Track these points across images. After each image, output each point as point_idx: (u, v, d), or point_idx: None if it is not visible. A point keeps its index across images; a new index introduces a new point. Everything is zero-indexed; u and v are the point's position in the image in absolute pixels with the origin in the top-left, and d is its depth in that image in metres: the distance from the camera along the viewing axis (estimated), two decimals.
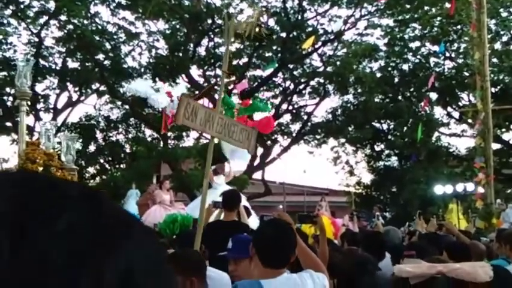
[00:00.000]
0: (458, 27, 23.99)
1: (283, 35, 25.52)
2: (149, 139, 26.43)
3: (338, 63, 26.13)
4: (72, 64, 25.44)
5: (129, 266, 0.46)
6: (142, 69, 25.27)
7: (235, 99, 9.33)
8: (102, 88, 25.75)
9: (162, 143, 25.92)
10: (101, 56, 24.68)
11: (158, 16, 24.17)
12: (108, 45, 24.65)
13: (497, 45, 24.75)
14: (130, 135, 26.64)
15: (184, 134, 25.77)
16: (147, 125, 25.81)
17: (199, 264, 3.03)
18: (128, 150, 26.75)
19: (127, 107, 25.83)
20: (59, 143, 7.14)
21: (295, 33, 25.21)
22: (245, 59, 25.53)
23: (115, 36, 25.00)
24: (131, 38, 25.21)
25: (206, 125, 4.87)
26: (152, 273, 0.49)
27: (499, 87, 23.61)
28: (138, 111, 24.91)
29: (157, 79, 24.35)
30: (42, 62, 23.89)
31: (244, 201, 9.13)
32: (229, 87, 11.98)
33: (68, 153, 6.28)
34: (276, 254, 2.72)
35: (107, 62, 24.72)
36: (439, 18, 24.85)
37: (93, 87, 25.89)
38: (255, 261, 2.76)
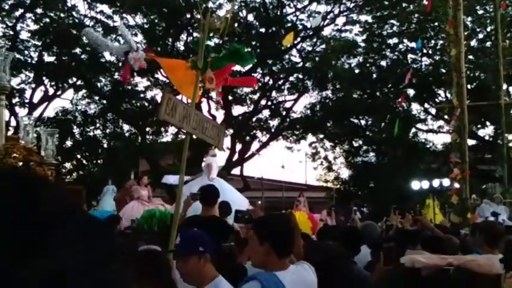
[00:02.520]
0: (436, 24, 24.24)
1: (262, 30, 25.51)
2: (127, 134, 26.23)
3: (317, 59, 26.23)
4: (48, 58, 25.10)
5: (61, 267, 0.42)
6: (120, 64, 25.00)
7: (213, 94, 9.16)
8: (79, 82, 25.45)
9: (140, 138, 25.76)
10: (78, 50, 24.37)
11: (136, 10, 23.96)
12: (85, 39, 24.35)
13: (474, 43, 25.07)
14: (107, 131, 26.38)
15: (162, 129, 25.64)
16: (125, 120, 25.61)
17: (158, 266, 2.96)
18: (105, 146, 26.51)
19: (104, 101, 25.59)
20: (36, 137, 7.01)
21: (274, 28, 25.21)
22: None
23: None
24: (109, 31, 24.92)
25: (184, 121, 4.94)
26: (89, 274, 0.44)
27: (475, 84, 23.92)
28: (116, 106, 24.69)
29: (135, 74, 24.15)
30: (17, 55, 23.51)
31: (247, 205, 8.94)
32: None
33: (47, 147, 6.17)
34: (290, 245, 2.87)
35: (84, 56, 24.42)
36: (416, 15, 25.08)
37: (70, 81, 25.56)
38: (265, 254, 2.77)
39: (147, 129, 25.85)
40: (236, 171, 27.47)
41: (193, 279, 3.10)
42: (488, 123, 25.54)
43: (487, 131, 26.48)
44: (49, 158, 6.48)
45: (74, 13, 24.35)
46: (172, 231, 4.64)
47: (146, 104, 25.55)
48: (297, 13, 26.07)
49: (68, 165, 26.27)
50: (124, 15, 24.72)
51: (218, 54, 5.60)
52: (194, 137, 5.67)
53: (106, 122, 26.39)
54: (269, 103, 27.94)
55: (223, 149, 24.43)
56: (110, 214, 9.51)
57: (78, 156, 26.35)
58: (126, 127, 26.35)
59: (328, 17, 25.97)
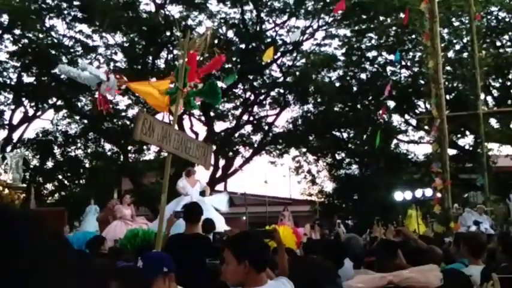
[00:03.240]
0: (413, 36, 24.57)
1: (243, 46, 25.63)
2: (109, 153, 26.05)
3: (297, 73, 26.40)
4: (27, 79, 24.91)
5: None
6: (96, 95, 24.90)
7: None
8: (60, 103, 25.27)
9: (122, 156, 25.58)
10: (57, 70, 24.23)
11: (116, 29, 23.94)
12: (64, 59, 24.24)
13: (451, 54, 25.45)
14: (89, 150, 26.18)
15: (145, 147, 25.51)
16: (107, 139, 25.44)
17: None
18: (87, 165, 26.29)
19: (85, 121, 25.42)
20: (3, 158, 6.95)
21: (254, 44, 25.35)
22: None
23: (72, 50, 24.60)
24: (88, 51, 24.86)
25: (163, 141, 4.86)
26: None
27: (453, 94, 24.24)
28: (97, 126, 24.54)
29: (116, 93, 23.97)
30: None
31: (223, 225, 8.96)
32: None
33: (16, 171, 6.13)
34: (267, 259, 2.94)
35: (63, 76, 24.26)
36: (394, 28, 25.42)
37: (50, 101, 25.37)
38: (244, 272, 2.78)
39: (129, 147, 25.70)
40: (220, 187, 27.39)
41: None
42: (468, 132, 25.85)
43: (467, 141, 26.81)
44: (16, 182, 6.44)
45: (52, 33, 24.24)
46: (156, 249, 4.62)
47: (128, 122, 25.45)
48: (276, 28, 26.29)
49: (49, 186, 25.98)
50: (103, 34, 24.66)
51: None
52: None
53: (87, 142, 26.21)
54: (251, 118, 28.01)
55: (209, 168, 24.45)
56: (94, 235, 9.40)
57: (60, 176, 26.08)
58: (108, 146, 26.19)
59: (307, 31, 26.22)
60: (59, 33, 24.47)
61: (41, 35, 23.72)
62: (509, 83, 24.39)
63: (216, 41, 24.07)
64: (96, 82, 5.73)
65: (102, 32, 24.38)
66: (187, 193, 10.02)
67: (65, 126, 26.23)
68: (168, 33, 24.53)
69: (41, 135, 25.66)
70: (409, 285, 2.62)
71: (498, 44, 24.82)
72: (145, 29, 23.89)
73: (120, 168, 23.86)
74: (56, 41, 24.23)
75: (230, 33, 25.79)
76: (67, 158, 25.65)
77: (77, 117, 25.85)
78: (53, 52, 23.42)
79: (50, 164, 25.65)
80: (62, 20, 24.12)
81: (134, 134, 4.70)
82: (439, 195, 13.32)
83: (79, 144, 26.21)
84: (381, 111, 22.11)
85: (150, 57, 25.34)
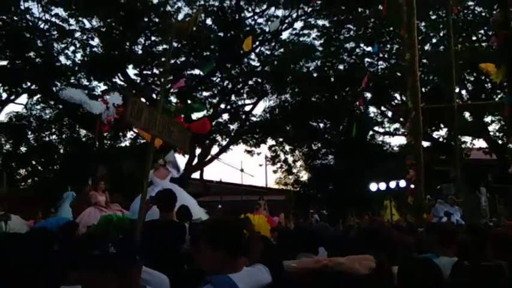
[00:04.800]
0: (391, 28, 24.73)
1: (221, 34, 25.50)
2: (84, 139, 25.75)
3: (276, 62, 26.38)
4: (1, 62, 24.42)
5: None
6: (77, 68, 24.58)
7: (172, 98, 9.37)
8: (34, 87, 24.85)
9: (97, 143, 25.30)
10: (32, 54, 23.80)
11: (91, 13, 23.57)
12: (39, 43, 23.83)
13: (427, 47, 25.71)
14: (64, 136, 25.84)
15: (120, 134, 25.29)
16: (82, 125, 25.13)
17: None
18: (61, 151, 25.96)
19: (60, 106, 25.05)
20: None
21: (232, 32, 25.24)
22: (183, 58, 25.35)
23: (47, 34, 24.18)
24: (64, 35, 24.45)
25: (150, 124, 4.94)
26: None
27: (429, 87, 24.51)
28: (73, 111, 24.20)
29: (92, 78, 23.78)
30: None
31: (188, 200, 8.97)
32: (167, 86, 11.90)
33: None
34: (242, 245, 2.86)
35: (38, 60, 23.87)
36: (372, 19, 25.55)
37: (24, 86, 24.92)
38: (219, 259, 2.76)
39: (105, 134, 25.44)
40: (196, 175, 27.37)
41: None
42: (442, 125, 26.21)
43: (441, 133, 27.20)
44: None
45: (27, 16, 23.76)
46: (135, 236, 4.62)
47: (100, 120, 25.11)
48: (255, 17, 26.22)
49: (22, 171, 25.62)
50: (80, 18, 24.27)
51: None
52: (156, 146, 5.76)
53: (62, 127, 25.85)
54: (228, 107, 27.95)
55: (189, 153, 24.33)
56: (66, 221, 9.31)
57: (33, 162, 25.71)
58: (83, 132, 25.86)
59: (286, 21, 26.20)
60: (34, 16, 24.02)
61: (15, 18, 23.24)
62: (483, 77, 24.73)
63: (194, 29, 23.96)
64: (102, 108, 5.95)
65: (78, 16, 23.99)
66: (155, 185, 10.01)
67: (39, 111, 25.83)
68: (146, 19, 24.27)
69: (14, 119, 25.24)
70: (342, 270, 2.71)
71: (474, 38, 25.13)
72: (123, 14, 23.56)
73: (96, 155, 23.61)
74: (31, 24, 23.77)
75: (209, 21, 25.64)
76: (41, 144, 25.28)
77: (52, 102, 25.45)
78: (28, 35, 22.98)
79: (23, 149, 25.26)
80: (37, 2, 23.65)
81: (124, 117, 4.74)
82: (412, 186, 13.50)
83: (53, 130, 25.84)
84: (357, 103, 22.26)
85: (128, 43, 25.04)
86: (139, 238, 4.64)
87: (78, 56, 25.03)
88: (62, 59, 24.74)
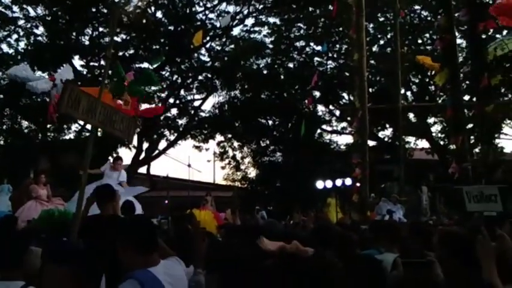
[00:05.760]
0: (340, 29, 25.10)
1: (171, 28, 25.19)
2: (26, 131, 24.88)
3: (226, 58, 26.30)
4: None
5: None
6: (19, 57, 23.70)
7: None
8: None
9: (40, 135, 24.54)
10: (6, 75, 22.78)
11: (37, 0, 22.79)
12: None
13: (375, 48, 26.25)
14: (4, 127, 24.88)
15: (65, 126, 24.59)
16: (24, 116, 24.27)
17: None
18: (1, 143, 24.99)
19: (1, 96, 24.12)
20: None
21: (183, 26, 24.97)
22: (132, 51, 24.90)
23: None
24: (7, 22, 23.54)
25: (88, 114, 4.63)
26: None
27: (375, 87, 25.04)
28: (14, 101, 23.34)
29: (36, 68, 22.96)
30: None
31: (131, 197, 8.94)
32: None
33: None
34: (152, 240, 3.01)
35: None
36: (322, 19, 25.86)
37: None
38: (133, 256, 2.90)
39: (48, 126, 24.67)
40: (143, 170, 26.96)
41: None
42: (387, 125, 26.83)
43: (386, 133, 27.83)
44: None
45: None
46: (72, 229, 4.47)
47: (47, 99, 24.35)
48: (206, 12, 26.05)
49: None
50: (24, 6, 23.41)
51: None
52: (99, 134, 5.58)
53: (3, 118, 24.87)
54: (177, 102, 27.67)
55: (133, 143, 23.86)
56: (5, 214, 8.96)
57: None
58: (25, 123, 24.98)
59: (238, 17, 26.16)
60: None
61: None
62: (427, 80, 25.47)
63: (144, 21, 23.57)
64: (47, 86, 5.61)
65: (23, 3, 23.15)
66: (106, 173, 10.07)
67: None
68: (93, 10, 23.67)
69: None
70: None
71: (419, 41, 25.84)
72: (69, 3, 22.87)
73: (38, 147, 22.86)
74: None
75: (159, 14, 25.28)
76: None
77: None
78: None
79: None
80: None
81: (60, 107, 4.47)
82: (358, 184, 13.77)
83: None
84: (306, 101, 22.49)
85: (74, 33, 24.37)
86: (76, 233, 4.49)
87: (22, 44, 24.15)
88: (4, 46, 23.83)
